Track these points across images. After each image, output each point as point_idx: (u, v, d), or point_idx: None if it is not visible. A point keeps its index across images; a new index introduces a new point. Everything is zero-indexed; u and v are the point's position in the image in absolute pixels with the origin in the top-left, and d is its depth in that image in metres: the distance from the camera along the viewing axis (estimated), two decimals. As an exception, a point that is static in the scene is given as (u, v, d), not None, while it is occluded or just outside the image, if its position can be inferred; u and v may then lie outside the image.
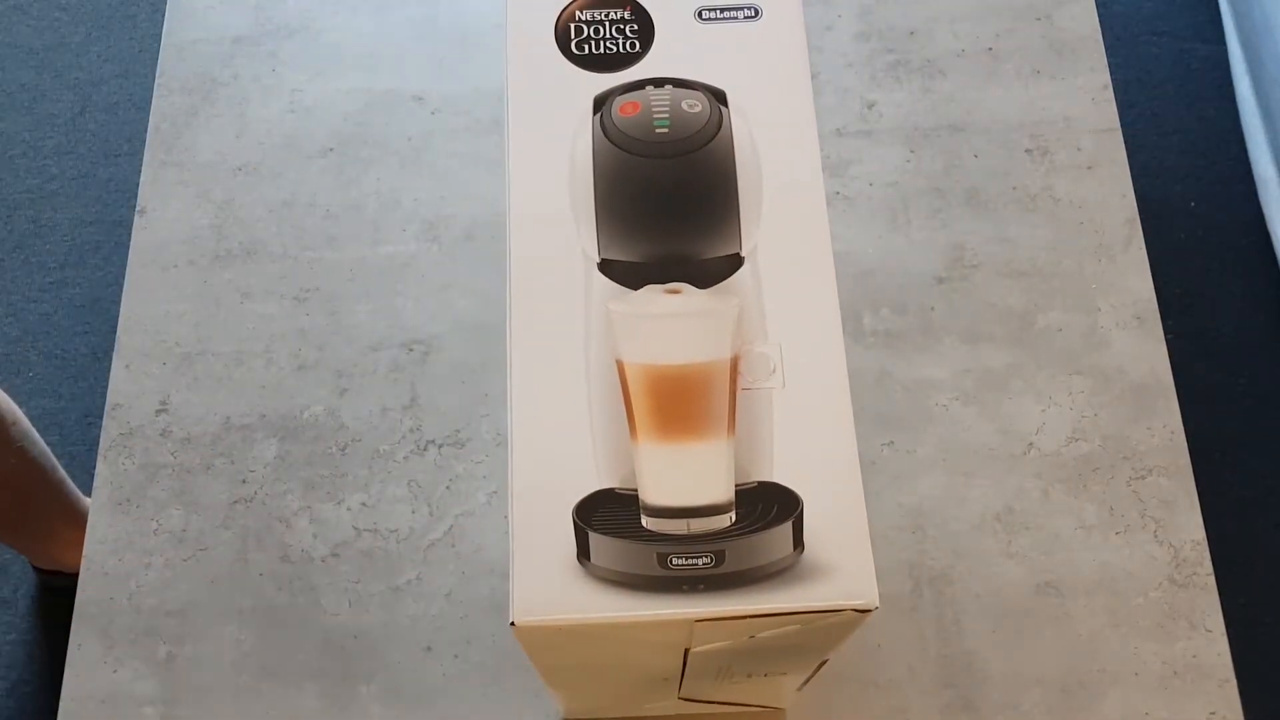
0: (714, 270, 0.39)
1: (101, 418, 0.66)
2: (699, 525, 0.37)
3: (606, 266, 0.39)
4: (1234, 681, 0.58)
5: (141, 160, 0.92)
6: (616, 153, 0.40)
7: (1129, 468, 0.62)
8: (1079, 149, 0.70)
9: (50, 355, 1.44)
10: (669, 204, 0.39)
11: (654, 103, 0.41)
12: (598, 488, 0.37)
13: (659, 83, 0.42)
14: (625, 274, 0.39)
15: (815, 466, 0.38)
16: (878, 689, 0.58)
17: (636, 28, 0.43)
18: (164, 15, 0.79)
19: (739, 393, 0.38)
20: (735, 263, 0.39)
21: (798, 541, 0.37)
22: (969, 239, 0.68)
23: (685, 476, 0.38)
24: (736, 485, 0.38)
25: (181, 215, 0.70)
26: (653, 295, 0.38)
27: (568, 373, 0.39)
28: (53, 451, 1.15)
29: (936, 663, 0.59)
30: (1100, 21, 0.74)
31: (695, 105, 0.41)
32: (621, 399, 0.38)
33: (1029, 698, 0.58)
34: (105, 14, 1.65)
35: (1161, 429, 0.63)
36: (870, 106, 0.72)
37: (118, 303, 1.46)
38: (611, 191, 0.40)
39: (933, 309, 0.66)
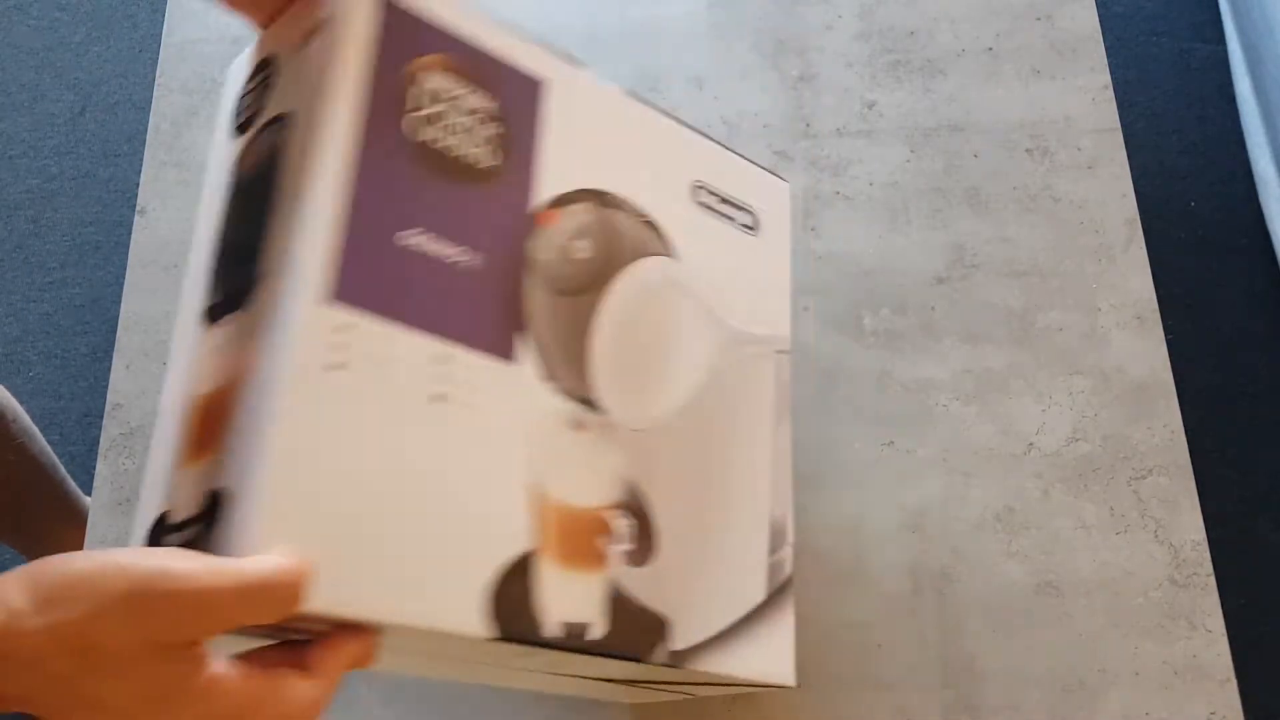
0: None
1: (101, 418, 0.66)
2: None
3: None
4: (1234, 681, 0.58)
5: (141, 160, 0.92)
6: None
7: (1129, 468, 0.62)
8: (1079, 149, 0.70)
9: (50, 355, 1.44)
10: None
11: None
12: None
13: None
14: None
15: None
16: (878, 689, 0.58)
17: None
18: (164, 15, 0.79)
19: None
20: None
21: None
22: (969, 239, 0.68)
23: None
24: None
25: (181, 215, 0.70)
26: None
27: None
28: (53, 451, 1.15)
29: (936, 663, 0.59)
30: (1100, 21, 0.74)
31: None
32: None
33: (1029, 698, 0.58)
34: (105, 14, 1.65)
35: (1161, 429, 0.63)
36: (870, 106, 0.72)
37: (118, 303, 1.46)
38: None
39: (933, 309, 0.66)
